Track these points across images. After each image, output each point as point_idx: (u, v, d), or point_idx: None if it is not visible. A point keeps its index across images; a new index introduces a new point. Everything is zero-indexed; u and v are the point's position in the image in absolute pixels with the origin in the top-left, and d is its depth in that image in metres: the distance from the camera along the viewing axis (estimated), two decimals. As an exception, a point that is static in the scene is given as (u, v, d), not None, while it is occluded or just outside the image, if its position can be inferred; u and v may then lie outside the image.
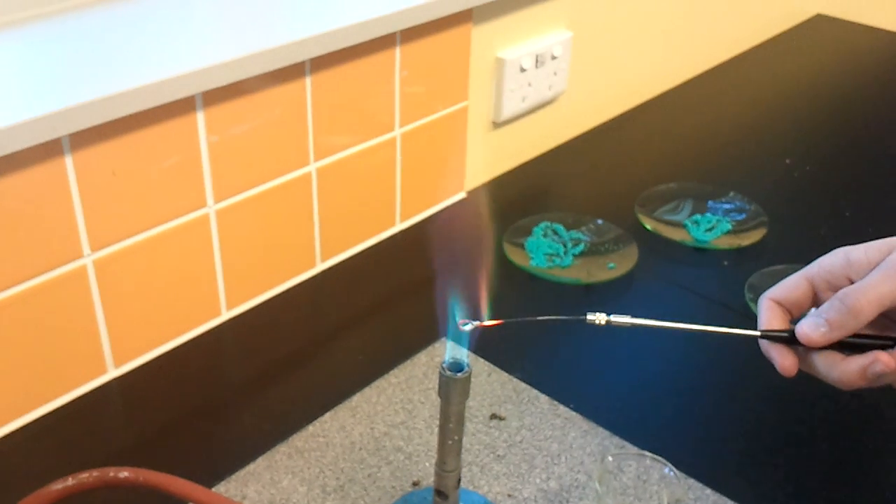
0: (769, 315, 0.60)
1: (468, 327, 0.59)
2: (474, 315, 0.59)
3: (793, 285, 0.60)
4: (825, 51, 1.71)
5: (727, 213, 1.11)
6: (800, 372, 0.59)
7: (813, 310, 0.58)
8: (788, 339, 0.58)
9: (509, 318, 0.59)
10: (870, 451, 0.80)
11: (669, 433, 0.80)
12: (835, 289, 0.58)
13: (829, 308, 0.56)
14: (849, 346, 0.56)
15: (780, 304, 0.60)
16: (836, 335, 0.55)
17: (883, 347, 0.56)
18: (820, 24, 1.80)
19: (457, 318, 0.60)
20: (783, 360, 0.58)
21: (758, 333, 0.59)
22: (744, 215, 1.11)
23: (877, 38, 1.74)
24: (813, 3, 1.84)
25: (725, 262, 1.04)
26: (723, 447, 0.79)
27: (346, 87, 0.94)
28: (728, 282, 1.00)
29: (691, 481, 0.74)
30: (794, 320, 0.60)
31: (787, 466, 0.77)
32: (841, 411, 0.84)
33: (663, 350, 0.91)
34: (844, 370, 0.56)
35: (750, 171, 1.25)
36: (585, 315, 0.58)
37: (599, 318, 0.58)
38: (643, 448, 0.75)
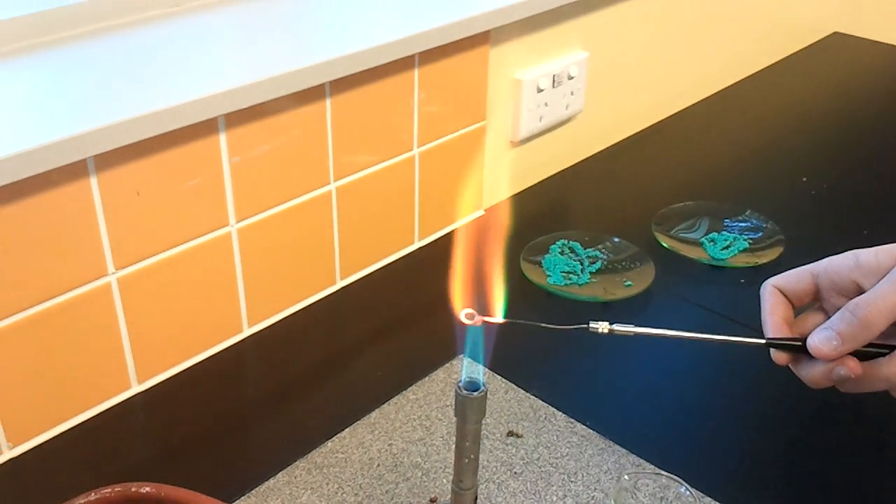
0: (773, 300, 0.60)
1: (473, 321, 0.59)
2: (487, 332, 0.60)
3: (796, 278, 0.60)
4: (842, 69, 1.71)
5: (744, 231, 1.12)
6: (824, 392, 0.59)
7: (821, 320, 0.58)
8: (797, 349, 0.58)
9: (517, 321, 0.60)
10: (891, 472, 0.80)
11: (686, 452, 0.80)
12: (838, 289, 0.58)
13: (841, 320, 0.55)
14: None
15: (782, 292, 0.60)
16: (848, 348, 0.55)
17: (876, 356, 0.55)
18: (837, 43, 1.80)
19: (473, 336, 0.60)
20: (777, 354, 0.58)
21: (762, 341, 0.59)
22: (760, 233, 1.11)
23: (894, 55, 1.74)
24: (830, 22, 1.84)
25: (742, 281, 1.04)
26: (740, 467, 0.79)
27: (365, 108, 0.95)
28: (745, 300, 0.99)
29: (707, 500, 0.74)
30: (796, 311, 0.60)
31: (805, 487, 0.77)
32: (864, 434, 0.83)
33: (681, 369, 0.91)
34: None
35: (766, 190, 1.26)
36: (588, 324, 0.59)
37: (602, 326, 0.59)
38: (660, 467, 0.75)
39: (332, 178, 0.96)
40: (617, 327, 0.59)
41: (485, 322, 0.59)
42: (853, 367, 0.55)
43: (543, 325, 0.61)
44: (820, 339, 0.56)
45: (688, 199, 1.18)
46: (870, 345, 0.56)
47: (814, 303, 0.61)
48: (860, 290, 0.57)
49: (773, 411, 0.86)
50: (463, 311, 0.59)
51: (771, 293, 0.60)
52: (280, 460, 0.77)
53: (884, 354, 0.56)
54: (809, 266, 0.60)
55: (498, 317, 0.60)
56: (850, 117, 1.50)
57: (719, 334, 0.60)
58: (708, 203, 1.17)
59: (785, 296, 0.60)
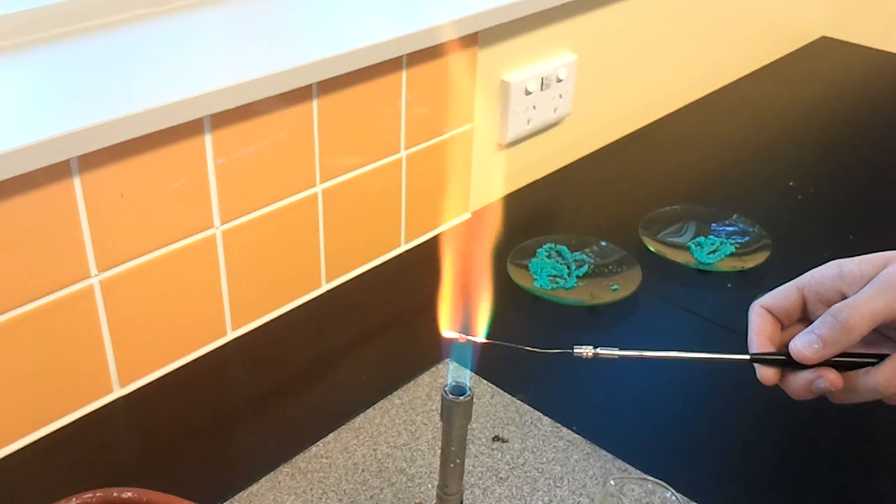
0: (760, 321, 0.60)
1: (456, 338, 0.59)
2: (472, 333, 0.60)
3: (783, 295, 0.60)
4: (830, 73, 1.71)
5: (730, 235, 1.12)
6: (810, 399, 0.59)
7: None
8: (781, 362, 0.58)
9: (501, 342, 0.60)
10: (877, 478, 0.80)
11: (672, 457, 0.80)
12: (824, 301, 0.59)
13: (822, 324, 0.55)
14: (833, 363, 0.57)
15: (770, 312, 0.60)
16: (830, 352, 0.55)
17: (864, 365, 0.56)
18: (825, 47, 1.81)
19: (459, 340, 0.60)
20: (763, 370, 0.58)
21: (747, 357, 0.59)
22: (747, 238, 1.11)
23: (881, 60, 1.74)
24: (818, 26, 1.85)
25: (729, 285, 1.04)
26: (725, 472, 0.79)
27: (352, 110, 0.95)
28: (731, 304, 1.00)
29: (693, 505, 0.74)
30: (784, 328, 0.61)
31: (790, 491, 0.77)
32: (847, 438, 0.83)
33: (667, 374, 0.91)
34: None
35: (753, 194, 1.26)
36: (573, 348, 0.59)
37: (587, 350, 0.59)
38: (646, 472, 0.75)
39: (319, 180, 0.95)
40: (601, 351, 0.59)
41: (469, 340, 0.59)
42: (832, 379, 0.56)
43: (528, 348, 0.61)
44: (802, 343, 0.56)
45: (675, 202, 1.18)
46: (858, 355, 0.56)
47: (801, 316, 0.61)
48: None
49: (760, 416, 0.86)
50: (446, 333, 0.59)
51: (759, 314, 0.60)
52: (264, 465, 0.77)
53: (872, 364, 0.56)
54: (794, 281, 0.60)
55: (482, 336, 0.60)
56: (838, 122, 1.51)
57: (704, 352, 0.60)
58: (695, 207, 1.17)
59: (773, 314, 0.60)
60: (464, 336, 0.58)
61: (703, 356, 0.60)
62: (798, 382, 0.57)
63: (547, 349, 0.60)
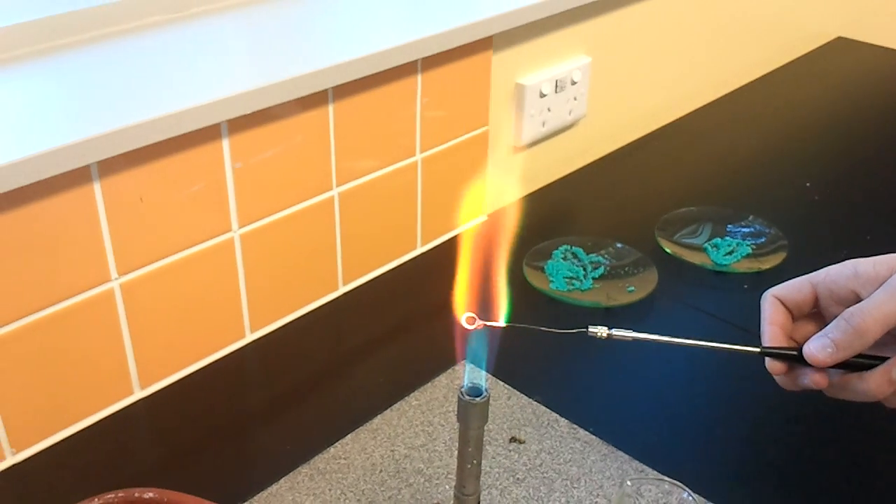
0: (772, 311, 0.61)
1: (474, 325, 0.59)
2: (489, 337, 0.60)
3: (796, 287, 0.61)
4: (846, 74, 1.71)
5: (747, 236, 1.12)
6: (827, 397, 0.60)
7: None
8: (793, 358, 0.58)
9: (517, 325, 0.60)
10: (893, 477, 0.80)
11: (689, 458, 0.80)
12: (837, 299, 0.59)
13: (836, 328, 0.56)
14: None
15: (782, 302, 0.61)
16: (843, 355, 0.56)
17: (869, 367, 0.56)
18: (841, 47, 1.80)
19: (475, 340, 0.60)
20: (772, 363, 0.59)
21: (757, 350, 0.60)
22: (763, 239, 1.11)
23: (898, 60, 1.74)
24: (833, 26, 1.84)
25: (745, 286, 1.04)
26: (742, 472, 0.79)
27: (368, 114, 0.95)
28: (748, 305, 0.99)
29: (710, 505, 0.74)
30: (795, 320, 0.62)
31: (808, 492, 0.77)
32: (869, 440, 0.83)
33: (683, 374, 0.91)
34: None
35: (769, 195, 1.26)
36: (587, 328, 0.59)
37: (601, 331, 0.59)
38: (663, 472, 0.75)
39: (335, 183, 0.96)
40: (616, 332, 0.59)
41: (486, 326, 0.59)
42: (816, 379, 0.57)
43: (543, 328, 0.61)
44: (816, 347, 0.57)
45: (691, 204, 1.18)
46: (862, 356, 0.56)
47: (812, 311, 0.62)
48: (858, 300, 0.57)
49: (777, 416, 0.86)
50: (464, 315, 0.59)
51: (771, 303, 0.61)
52: (283, 466, 0.77)
53: (871, 367, 0.56)
54: (809, 276, 0.61)
55: (499, 321, 0.60)
56: (854, 122, 1.50)
57: (717, 341, 0.61)
58: (711, 208, 1.17)
59: (785, 305, 0.61)
60: (481, 321, 0.59)
61: (716, 346, 0.61)
62: (788, 376, 0.59)
63: (562, 329, 0.60)
